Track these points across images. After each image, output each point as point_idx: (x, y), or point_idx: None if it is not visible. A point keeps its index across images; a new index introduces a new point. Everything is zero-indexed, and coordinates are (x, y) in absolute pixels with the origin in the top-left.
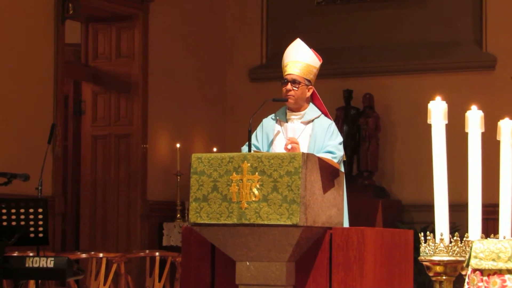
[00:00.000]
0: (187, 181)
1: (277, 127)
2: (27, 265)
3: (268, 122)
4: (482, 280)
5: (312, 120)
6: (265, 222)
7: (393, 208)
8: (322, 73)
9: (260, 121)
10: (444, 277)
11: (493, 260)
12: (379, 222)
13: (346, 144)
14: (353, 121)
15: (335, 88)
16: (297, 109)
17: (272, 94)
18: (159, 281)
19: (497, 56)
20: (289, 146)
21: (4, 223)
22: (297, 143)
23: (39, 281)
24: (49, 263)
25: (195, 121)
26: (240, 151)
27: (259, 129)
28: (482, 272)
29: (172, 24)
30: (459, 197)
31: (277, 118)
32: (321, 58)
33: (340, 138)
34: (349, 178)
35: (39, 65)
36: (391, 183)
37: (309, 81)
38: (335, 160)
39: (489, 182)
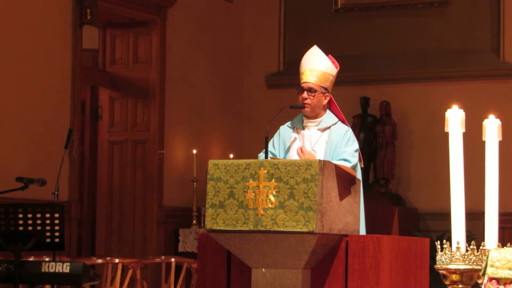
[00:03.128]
0: (203, 187)
1: (294, 134)
2: (43, 270)
3: (285, 130)
4: None
5: (329, 127)
6: (281, 229)
7: (409, 216)
8: (339, 80)
9: (277, 128)
10: (460, 286)
11: (510, 269)
12: (395, 230)
13: (362, 152)
14: (370, 128)
15: (352, 96)
16: (314, 116)
17: (289, 101)
18: (175, 287)
19: None
20: (299, 151)
21: (21, 228)
22: (303, 155)
23: (55, 286)
24: (65, 268)
25: (212, 127)
26: (257, 157)
27: (276, 136)
28: (499, 281)
29: (189, 30)
30: (475, 206)
31: (294, 125)
32: (338, 65)
33: (356, 145)
34: (366, 186)
35: (57, 70)
36: (407, 191)
37: (325, 88)
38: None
39: (506, 191)
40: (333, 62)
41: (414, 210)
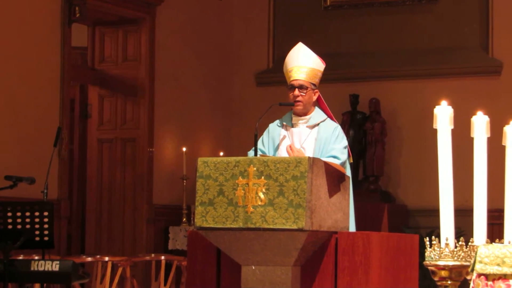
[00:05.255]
0: (193, 185)
1: (283, 132)
2: (32, 269)
3: (274, 127)
4: (487, 285)
5: (318, 124)
6: (271, 226)
7: (398, 213)
8: (329, 78)
9: (267, 125)
10: (449, 282)
11: (498, 265)
12: (385, 226)
13: (352, 149)
14: (359, 126)
15: (342, 93)
16: (304, 113)
17: (278, 98)
18: (165, 285)
19: (503, 61)
20: (288, 148)
21: (10, 227)
22: (292, 152)
23: (44, 284)
24: (55, 266)
25: (201, 125)
26: (246, 155)
27: (265, 134)
28: (487, 277)
29: (179, 28)
30: (464, 202)
31: (283, 123)
32: (324, 62)
33: (345, 142)
34: (355, 183)
35: (46, 68)
36: (397, 187)
37: (314, 85)
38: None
39: (495, 187)
40: (319, 58)
41: (403, 207)
